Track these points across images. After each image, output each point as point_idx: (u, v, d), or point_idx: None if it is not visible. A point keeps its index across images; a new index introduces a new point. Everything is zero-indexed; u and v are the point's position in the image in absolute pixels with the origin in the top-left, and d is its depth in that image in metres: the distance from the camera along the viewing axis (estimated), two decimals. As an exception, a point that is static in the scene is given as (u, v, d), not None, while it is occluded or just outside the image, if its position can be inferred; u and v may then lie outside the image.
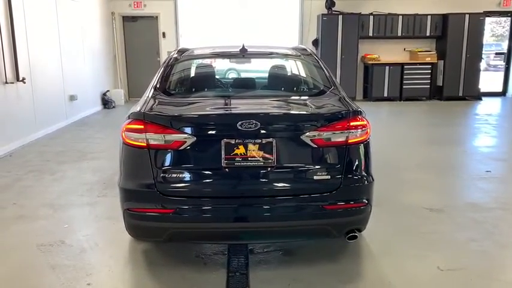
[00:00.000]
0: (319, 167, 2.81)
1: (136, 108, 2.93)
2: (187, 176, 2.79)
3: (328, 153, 2.84)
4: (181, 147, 2.73)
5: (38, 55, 7.34)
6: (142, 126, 2.74)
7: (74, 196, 4.61)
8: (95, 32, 10.35)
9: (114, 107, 10.75)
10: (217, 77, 4.10)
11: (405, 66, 11.53)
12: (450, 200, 4.52)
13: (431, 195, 4.60)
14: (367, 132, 2.90)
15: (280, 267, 3.16)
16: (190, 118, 2.90)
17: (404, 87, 11.56)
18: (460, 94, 11.65)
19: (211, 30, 11.80)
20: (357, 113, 2.89)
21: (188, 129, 2.75)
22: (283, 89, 3.71)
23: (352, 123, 2.82)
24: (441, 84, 11.66)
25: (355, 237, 2.94)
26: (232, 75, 6.29)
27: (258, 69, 4.34)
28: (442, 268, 3.10)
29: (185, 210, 2.79)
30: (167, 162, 2.79)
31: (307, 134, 2.76)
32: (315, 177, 2.79)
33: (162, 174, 2.75)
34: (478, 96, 11.76)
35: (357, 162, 2.88)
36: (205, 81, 3.87)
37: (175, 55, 3.85)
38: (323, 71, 3.60)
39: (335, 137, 2.80)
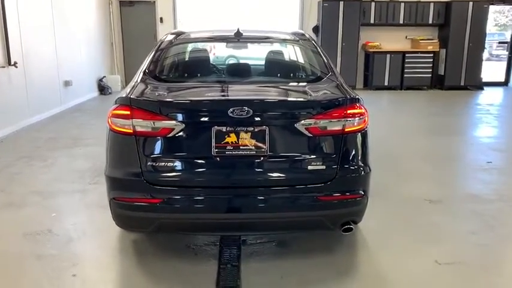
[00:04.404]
0: (314, 156, 2.69)
1: (123, 93, 2.80)
2: (175, 164, 2.66)
3: (324, 143, 2.72)
4: (170, 135, 2.61)
5: (31, 39, 7.17)
6: (128, 112, 2.62)
7: (64, 183, 4.50)
8: (91, 16, 10.16)
9: (110, 93, 10.59)
10: (210, 62, 3.95)
11: (406, 55, 11.34)
12: (450, 191, 4.42)
13: (430, 186, 4.49)
14: (364, 121, 2.78)
15: (274, 259, 3.07)
16: (179, 104, 2.77)
17: (405, 75, 11.38)
18: (462, 83, 11.49)
19: (210, 16, 11.59)
20: (354, 101, 2.76)
21: (177, 116, 2.63)
22: (279, 75, 3.58)
23: (349, 111, 2.69)
24: (443, 74, 11.49)
25: (350, 229, 2.83)
26: (229, 62, 6.13)
27: (258, 56, 4.18)
28: (440, 262, 2.99)
29: (173, 200, 2.68)
30: (155, 150, 2.67)
31: (302, 122, 2.63)
32: (310, 167, 2.67)
33: (149, 163, 2.63)
34: (480, 86, 11.60)
35: (353, 152, 2.76)
36: (198, 67, 3.72)
37: (167, 38, 3.71)
38: (321, 56, 3.46)
39: (331, 126, 2.68)
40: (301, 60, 3.86)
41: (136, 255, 3.10)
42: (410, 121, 8.01)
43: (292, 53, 4.09)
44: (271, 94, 3.04)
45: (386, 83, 11.44)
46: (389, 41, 11.53)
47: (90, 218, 3.76)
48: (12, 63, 6.47)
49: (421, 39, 11.46)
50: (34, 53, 7.26)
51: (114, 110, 2.69)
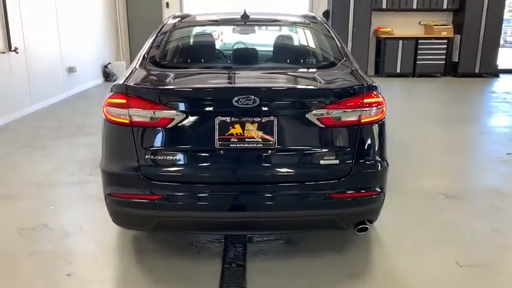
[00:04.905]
0: (326, 150, 2.46)
1: (120, 80, 2.59)
2: (175, 158, 2.44)
3: (338, 135, 2.49)
4: (169, 126, 2.39)
5: (33, 23, 6.94)
6: (124, 101, 2.41)
7: (63, 174, 4.33)
8: (96, 1, 9.90)
9: (115, 80, 10.30)
10: (214, 47, 3.71)
11: (419, 41, 10.95)
12: (468, 184, 4.19)
13: (447, 180, 4.25)
14: (382, 111, 2.54)
15: (281, 258, 2.87)
16: (179, 92, 2.54)
17: (418, 62, 11.01)
18: (477, 71, 11.10)
19: (218, 2, 11.28)
20: (371, 88, 2.52)
21: (177, 105, 2.41)
22: (288, 61, 3.33)
23: (366, 100, 2.46)
24: (457, 60, 11.11)
25: (365, 229, 2.62)
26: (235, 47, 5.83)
27: (266, 41, 3.92)
28: (461, 264, 2.77)
29: (173, 197, 2.47)
30: (153, 143, 2.46)
31: (314, 112, 2.40)
32: (322, 162, 2.45)
33: (147, 156, 2.43)
34: (496, 73, 11.22)
35: (370, 145, 2.53)
36: (201, 52, 3.49)
37: (169, 22, 3.49)
38: (334, 41, 3.22)
39: (346, 116, 2.45)
40: (312, 44, 3.61)
41: (135, 253, 2.92)
42: (423, 109, 7.72)
43: (303, 37, 3.84)
44: (280, 81, 2.80)
45: (398, 70, 11.10)
46: (402, 26, 11.15)
47: (88, 211, 3.58)
48: (12, 48, 6.27)
49: (434, 25, 11.07)
50: (36, 39, 7.05)
51: (109, 98, 2.48)
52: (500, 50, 11.49)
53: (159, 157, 2.43)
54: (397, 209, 3.48)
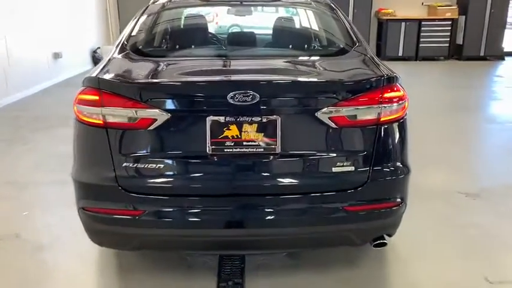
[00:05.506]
0: (339, 155, 2.09)
1: (93, 71, 2.18)
2: (158, 166, 2.05)
3: (353, 137, 2.11)
4: (151, 128, 2.00)
5: (12, 5, 6.47)
6: (97, 97, 2.01)
7: (43, 172, 3.95)
8: (82, -19, 9.39)
9: (105, 65, 9.91)
10: (206, 32, 3.28)
11: (423, 23, 10.61)
12: (488, 181, 3.81)
13: (463, 176, 3.90)
14: (404, 107, 2.16)
15: (285, 274, 2.52)
16: (162, 87, 2.13)
17: (421, 45, 10.69)
18: (481, 53, 10.73)
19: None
20: (392, 80, 2.13)
21: (160, 103, 2.01)
22: (293, 48, 2.93)
23: (386, 95, 2.07)
24: (461, 43, 10.73)
25: (384, 244, 2.25)
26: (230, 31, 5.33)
27: (267, 25, 3.48)
28: (491, 280, 2.42)
29: (157, 213, 2.09)
30: (131, 148, 2.07)
31: (325, 109, 2.01)
32: (334, 169, 2.07)
33: (124, 164, 2.04)
34: (501, 55, 10.83)
35: (390, 148, 2.15)
36: (190, 38, 3.07)
37: (155, 2, 3.06)
38: (343, 23, 2.80)
39: (363, 114, 2.06)
40: (320, 28, 3.19)
41: (118, 269, 2.58)
42: (427, 96, 7.30)
43: (308, 20, 3.40)
44: (285, 73, 2.37)
45: (400, 53, 10.77)
46: (404, 7, 10.80)
47: (67, 217, 3.14)
48: (-12, 33, 5.83)
49: (438, 6, 10.74)
50: (15, 21, 6.57)
51: (80, 94, 2.08)
52: (506, 32, 11.11)
53: (139, 165, 2.04)
54: (413, 213, 3.05)
